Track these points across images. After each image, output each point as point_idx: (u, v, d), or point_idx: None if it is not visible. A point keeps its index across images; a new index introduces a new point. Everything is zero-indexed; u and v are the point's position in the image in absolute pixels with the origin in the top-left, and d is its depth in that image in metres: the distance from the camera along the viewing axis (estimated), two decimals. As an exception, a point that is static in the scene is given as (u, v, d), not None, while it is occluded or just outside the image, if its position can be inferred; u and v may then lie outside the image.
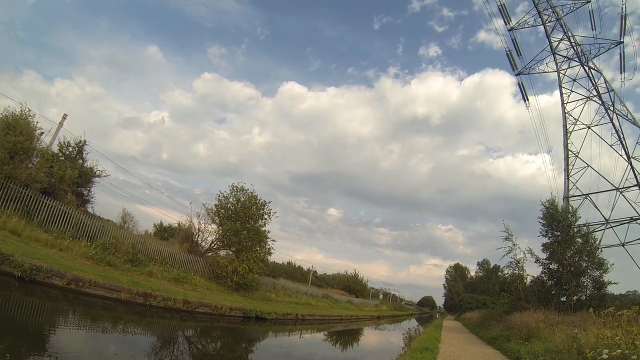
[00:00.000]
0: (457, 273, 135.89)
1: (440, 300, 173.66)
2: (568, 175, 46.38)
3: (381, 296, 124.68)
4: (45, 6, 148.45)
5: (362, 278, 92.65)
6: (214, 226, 36.65)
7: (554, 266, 29.89)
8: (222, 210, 36.10)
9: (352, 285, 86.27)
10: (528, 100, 56.46)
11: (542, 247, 30.72)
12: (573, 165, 46.63)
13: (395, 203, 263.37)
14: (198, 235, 36.68)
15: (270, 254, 38.13)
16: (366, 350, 29.22)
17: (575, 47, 48.01)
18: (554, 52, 50.27)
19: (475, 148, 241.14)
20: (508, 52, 54.62)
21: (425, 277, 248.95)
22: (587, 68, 47.04)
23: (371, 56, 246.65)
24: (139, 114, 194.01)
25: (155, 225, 43.43)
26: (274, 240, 37.91)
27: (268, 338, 26.36)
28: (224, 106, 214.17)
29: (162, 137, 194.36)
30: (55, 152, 28.19)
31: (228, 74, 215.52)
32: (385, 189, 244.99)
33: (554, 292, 29.67)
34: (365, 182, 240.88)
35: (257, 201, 36.72)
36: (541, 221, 31.16)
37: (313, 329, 35.94)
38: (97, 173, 30.01)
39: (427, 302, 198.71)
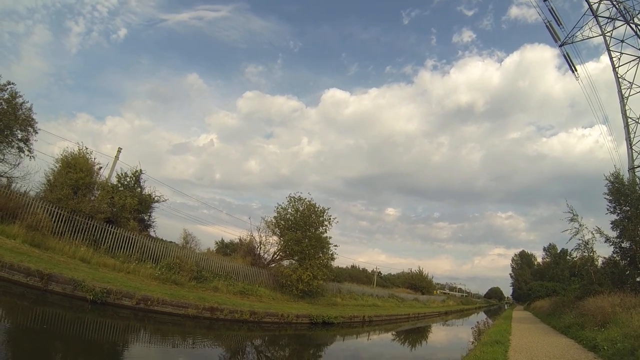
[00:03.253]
0: (522, 261, 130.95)
1: (507, 291, 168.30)
2: (630, 144, 42.65)
3: (447, 291, 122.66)
4: (88, 53, 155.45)
5: (426, 274, 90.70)
6: (275, 238, 36.86)
7: (626, 244, 28.18)
8: (282, 222, 36.44)
9: (417, 282, 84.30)
10: (576, 70, 53.29)
11: (611, 225, 29.10)
12: (634, 132, 43.17)
13: (451, 196, 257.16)
14: (260, 248, 36.95)
15: (333, 259, 37.95)
16: (435, 348, 28.83)
17: (617, 6, 45.12)
18: (595, 15, 46.97)
19: (525, 129, 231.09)
20: (548, 24, 51.85)
21: (490, 268, 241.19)
22: (633, 26, 44.14)
23: (406, 52, 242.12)
24: (188, 139, 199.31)
25: (217, 243, 44.72)
26: (336, 246, 37.66)
27: (336, 342, 26.46)
28: (270, 121, 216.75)
29: (213, 159, 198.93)
30: (115, 183, 29.40)
31: (269, 90, 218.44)
32: (440, 182, 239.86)
33: (628, 272, 28.16)
34: (418, 178, 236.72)
35: (316, 209, 36.73)
36: (607, 197, 29.61)
37: (380, 330, 35.81)
38: (156, 199, 30.97)
39: (494, 294, 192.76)
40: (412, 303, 64.15)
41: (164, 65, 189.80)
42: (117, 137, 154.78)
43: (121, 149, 31.46)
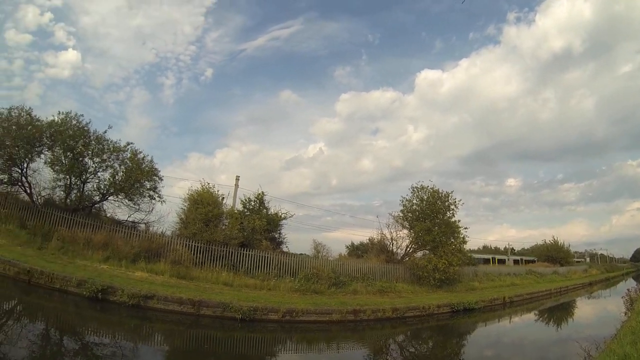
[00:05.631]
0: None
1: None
2: None
3: (587, 259, 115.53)
4: (184, 99, 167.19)
5: (562, 244, 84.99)
6: (405, 231, 36.50)
7: None
8: (409, 214, 36.08)
9: (553, 254, 79.74)
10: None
11: None
12: None
13: (571, 152, 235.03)
14: (392, 244, 36.78)
15: (465, 242, 36.62)
16: (581, 325, 26.87)
17: None
18: None
19: (637, 59, 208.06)
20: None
21: (632, 226, 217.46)
22: None
23: (485, 12, 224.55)
24: (297, 153, 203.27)
25: (347, 246, 45.19)
26: (466, 228, 36.26)
27: (478, 328, 26.05)
28: (372, 117, 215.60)
29: (325, 166, 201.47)
30: (241, 209, 31.13)
31: (363, 87, 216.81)
32: (555, 141, 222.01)
33: None
34: (531, 141, 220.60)
35: (440, 194, 35.97)
36: None
37: (522, 310, 34.50)
38: (282, 216, 32.35)
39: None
40: (552, 277, 60.81)
41: (256, 90, 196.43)
42: (229, 167, 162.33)
43: (239, 176, 33.34)
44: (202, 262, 25.02)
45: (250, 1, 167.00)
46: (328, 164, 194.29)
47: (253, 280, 24.44)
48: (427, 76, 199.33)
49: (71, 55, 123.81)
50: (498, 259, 69.64)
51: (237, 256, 26.25)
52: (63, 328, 14.90)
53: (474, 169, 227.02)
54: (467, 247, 39.50)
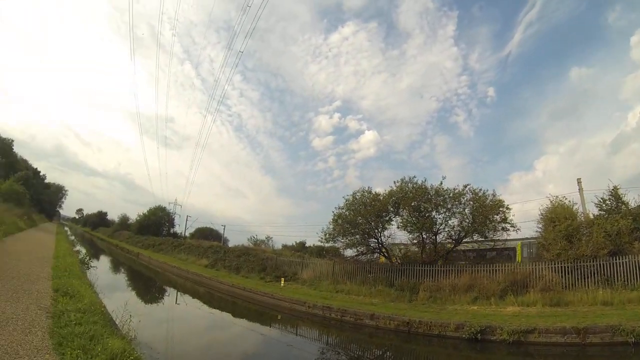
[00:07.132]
0: None
1: None
2: None
3: None
4: (481, 128, 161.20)
5: None
6: None
7: None
8: None
9: None
10: None
11: None
12: None
13: None
14: None
15: None
16: None
17: None
18: None
19: None
20: None
21: None
22: None
23: None
24: (618, 130, 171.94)
25: None
26: None
27: None
28: None
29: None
30: (596, 213, 28.71)
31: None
32: None
33: None
34: None
35: None
36: None
37: None
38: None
39: None
40: None
41: (543, 82, 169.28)
42: (552, 174, 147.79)
43: (580, 179, 31.44)
44: (571, 284, 23.37)
45: (482, 6, 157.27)
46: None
47: (636, 293, 21.19)
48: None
49: (369, 135, 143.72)
50: None
51: (608, 268, 23.39)
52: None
53: None
54: None
